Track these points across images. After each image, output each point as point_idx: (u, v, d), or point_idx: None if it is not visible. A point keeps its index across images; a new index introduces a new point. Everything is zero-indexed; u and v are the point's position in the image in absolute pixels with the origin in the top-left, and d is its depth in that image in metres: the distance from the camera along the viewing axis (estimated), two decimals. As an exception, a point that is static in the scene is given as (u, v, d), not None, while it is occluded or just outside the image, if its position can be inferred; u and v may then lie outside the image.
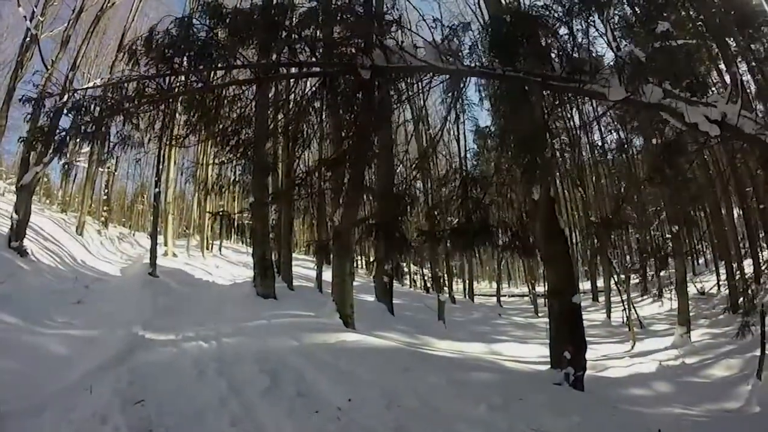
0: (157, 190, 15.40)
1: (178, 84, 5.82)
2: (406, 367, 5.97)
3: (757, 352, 9.03)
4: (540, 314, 17.49)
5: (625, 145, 13.17)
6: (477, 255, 7.33)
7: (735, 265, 14.65)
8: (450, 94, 6.18)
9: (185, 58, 5.53)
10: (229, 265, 21.56)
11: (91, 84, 10.50)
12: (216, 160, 10.14)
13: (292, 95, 6.98)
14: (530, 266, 20.54)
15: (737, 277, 14.04)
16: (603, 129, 14.54)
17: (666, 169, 6.92)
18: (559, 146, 6.67)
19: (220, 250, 25.06)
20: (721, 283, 17.10)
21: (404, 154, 15.24)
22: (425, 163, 7.29)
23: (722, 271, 17.25)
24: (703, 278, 17.88)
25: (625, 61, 5.06)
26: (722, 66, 9.08)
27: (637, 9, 6.30)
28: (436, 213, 6.26)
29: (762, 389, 6.97)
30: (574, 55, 5.34)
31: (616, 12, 6.10)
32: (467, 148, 17.17)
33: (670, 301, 17.06)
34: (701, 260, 21.20)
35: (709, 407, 7.11)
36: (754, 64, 9.32)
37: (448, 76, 5.77)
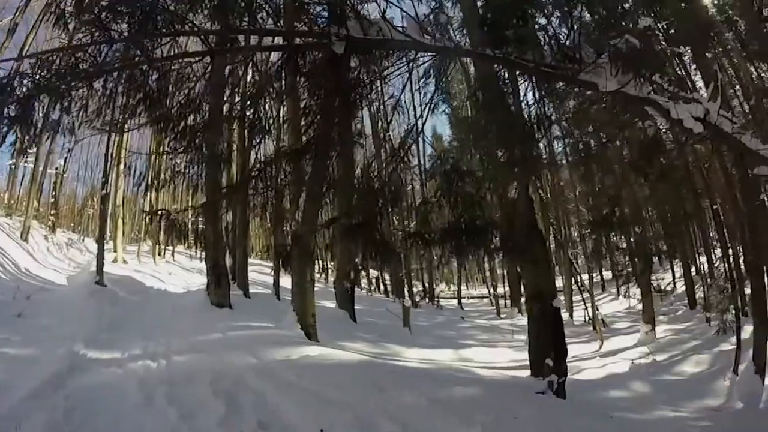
0: (104, 191, 14.26)
1: (116, 57, 4.97)
2: (379, 384, 5.36)
3: (724, 347, 9.31)
4: (502, 316, 17.34)
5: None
6: (472, 259, 6.74)
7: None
8: (434, 76, 5.63)
9: (125, 24, 4.69)
10: (183, 271, 20.38)
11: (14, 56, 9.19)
12: (161, 150, 8.95)
13: (250, 72, 6.16)
14: (491, 268, 20.43)
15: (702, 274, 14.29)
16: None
17: (647, 167, 6.67)
18: (544, 142, 6.23)
19: (173, 255, 23.73)
20: (676, 280, 17.51)
21: (382, 144, 14.33)
22: (406, 153, 6.57)
23: (677, 269, 17.72)
24: (658, 276, 18.17)
25: (622, 50, 4.73)
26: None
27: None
28: (428, 210, 5.58)
29: (740, 384, 6.85)
30: (566, 42, 4.98)
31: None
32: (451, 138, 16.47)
33: (627, 299, 17.33)
34: (655, 258, 21.65)
35: (694, 406, 6.97)
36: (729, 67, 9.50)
37: (432, 55, 5.22)
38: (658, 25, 7.65)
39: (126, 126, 5.83)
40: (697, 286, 14.69)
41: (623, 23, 5.80)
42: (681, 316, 13.94)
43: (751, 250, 7.99)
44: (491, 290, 20.54)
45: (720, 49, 10.17)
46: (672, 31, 7.80)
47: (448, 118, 19.69)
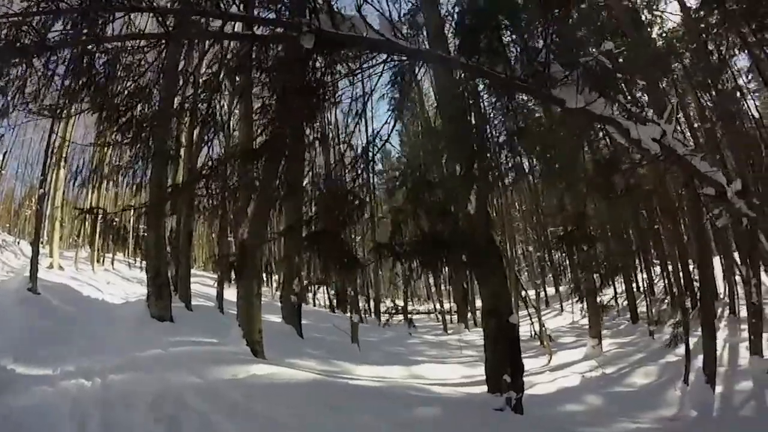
0: (42, 190, 13.10)
1: (62, 33, 4.49)
2: (334, 405, 5.11)
3: (670, 359, 9.64)
4: (449, 331, 17.31)
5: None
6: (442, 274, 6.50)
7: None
8: (403, 79, 5.45)
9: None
10: (122, 280, 19.21)
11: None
12: (99, 141, 8.16)
13: (206, 62, 5.74)
14: (437, 283, 20.43)
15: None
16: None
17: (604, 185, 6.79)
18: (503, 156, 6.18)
19: (112, 263, 22.28)
20: (618, 295, 18.12)
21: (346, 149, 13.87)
22: (372, 159, 6.31)
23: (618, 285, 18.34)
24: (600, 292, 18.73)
25: (592, 68, 4.76)
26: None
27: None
28: (399, 219, 5.32)
29: (692, 394, 7.01)
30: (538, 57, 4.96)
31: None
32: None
33: (571, 314, 17.79)
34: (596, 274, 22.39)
35: (650, 416, 7.02)
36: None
37: (403, 59, 5.04)
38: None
39: (66, 112, 5.29)
40: (638, 301, 15.28)
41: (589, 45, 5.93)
42: (624, 330, 14.36)
43: (699, 266, 8.28)
44: (437, 306, 20.58)
45: (670, 78, 10.72)
46: (623, 59, 8.10)
47: (419, 126, 19.55)
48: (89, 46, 4.76)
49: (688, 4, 11.66)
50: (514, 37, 5.09)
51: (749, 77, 14.48)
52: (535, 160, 7.65)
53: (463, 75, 5.78)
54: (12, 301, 9.45)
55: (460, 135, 6.25)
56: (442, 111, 6.71)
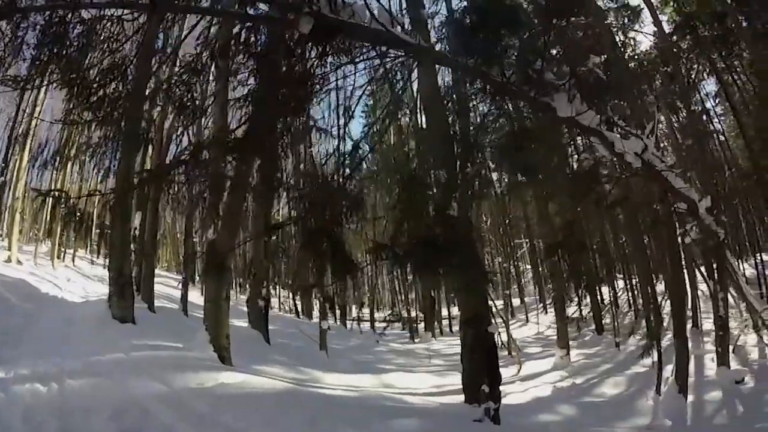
0: (2, 178, 12.17)
1: None
2: (308, 417, 4.85)
3: (637, 369, 9.58)
4: (416, 340, 17.14)
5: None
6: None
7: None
8: (401, 75, 5.25)
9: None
10: (82, 278, 18.13)
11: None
12: (67, 118, 7.45)
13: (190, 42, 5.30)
14: (405, 291, 20.27)
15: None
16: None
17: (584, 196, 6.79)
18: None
19: (73, 260, 21.03)
20: (583, 307, 18.35)
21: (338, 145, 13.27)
22: (364, 157, 6.03)
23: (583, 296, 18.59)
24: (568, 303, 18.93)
25: (586, 78, 4.73)
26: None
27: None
28: (402, 218, 5.05)
29: (664, 403, 6.98)
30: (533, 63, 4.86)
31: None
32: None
33: (536, 324, 17.88)
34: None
35: (625, 425, 7.05)
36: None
37: (399, 54, 4.83)
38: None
39: (33, 84, 4.84)
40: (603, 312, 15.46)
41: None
42: (589, 341, 14.37)
43: (671, 278, 8.42)
44: (404, 314, 20.39)
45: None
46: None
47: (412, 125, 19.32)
48: (64, 13, 4.35)
49: (663, 29, 11.98)
50: (511, 41, 4.96)
51: (716, 101, 15.07)
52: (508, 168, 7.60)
53: (452, 77, 5.64)
54: (-36, 295, 8.81)
55: (444, 139, 6.09)
56: (427, 114, 6.55)
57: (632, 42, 13.68)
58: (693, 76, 13.26)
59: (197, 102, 5.91)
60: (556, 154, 6.99)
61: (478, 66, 4.62)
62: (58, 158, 10.58)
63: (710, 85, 13.97)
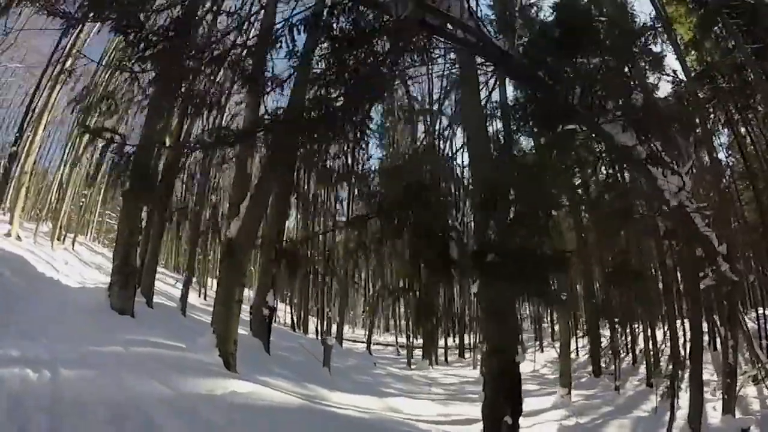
0: (14, 148, 11.49)
1: None
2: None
3: (640, 414, 9.62)
4: (412, 366, 16.37)
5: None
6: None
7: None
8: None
9: None
10: (81, 264, 17.36)
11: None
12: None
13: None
14: (408, 315, 19.53)
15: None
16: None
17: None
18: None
19: (73, 244, 20.00)
20: (579, 349, 17.76)
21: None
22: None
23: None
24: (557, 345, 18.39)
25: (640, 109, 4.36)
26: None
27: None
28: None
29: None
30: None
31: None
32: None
33: (532, 363, 17.21)
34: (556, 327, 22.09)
35: None
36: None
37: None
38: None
39: (82, 22, 4.29)
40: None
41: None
42: (586, 383, 13.88)
43: (692, 321, 8.25)
44: (399, 339, 19.68)
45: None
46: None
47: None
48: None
49: (690, 77, 11.75)
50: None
51: (728, 152, 14.81)
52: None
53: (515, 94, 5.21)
54: (-43, 262, 8.09)
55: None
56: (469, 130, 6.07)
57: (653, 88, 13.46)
58: (709, 126, 13.00)
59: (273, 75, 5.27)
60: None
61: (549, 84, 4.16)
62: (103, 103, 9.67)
63: (723, 137, 13.71)
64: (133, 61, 4.85)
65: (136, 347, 5.91)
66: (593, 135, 5.76)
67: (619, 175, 9.50)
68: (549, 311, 19.95)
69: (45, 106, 15.54)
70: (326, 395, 7.70)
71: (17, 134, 11.75)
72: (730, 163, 15.27)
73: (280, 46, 4.44)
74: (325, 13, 4.07)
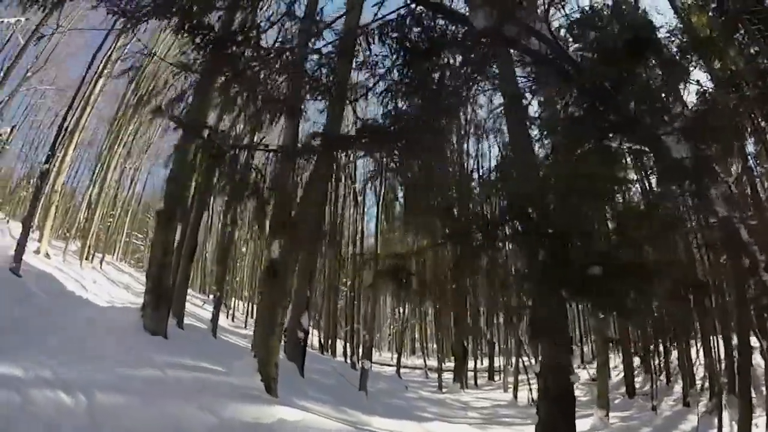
0: (46, 166, 11.50)
1: None
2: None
3: None
4: (443, 390, 15.75)
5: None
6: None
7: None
8: None
9: None
10: (108, 283, 17.34)
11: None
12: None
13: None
14: (438, 336, 18.98)
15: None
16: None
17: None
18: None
19: (101, 263, 20.14)
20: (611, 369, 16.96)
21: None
22: None
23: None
24: (590, 366, 17.65)
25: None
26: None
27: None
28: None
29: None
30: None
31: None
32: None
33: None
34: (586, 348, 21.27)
35: None
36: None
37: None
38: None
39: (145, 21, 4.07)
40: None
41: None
42: (620, 404, 13.23)
43: (740, 335, 7.63)
44: (428, 361, 19.10)
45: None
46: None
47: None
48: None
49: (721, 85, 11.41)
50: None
51: (757, 161, 14.34)
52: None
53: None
54: (-10, 279, 7.88)
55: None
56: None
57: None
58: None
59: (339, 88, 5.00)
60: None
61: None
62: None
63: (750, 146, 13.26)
64: (198, 63, 4.64)
65: (174, 371, 5.57)
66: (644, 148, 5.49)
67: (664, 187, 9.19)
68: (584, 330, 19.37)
69: (76, 126, 15.75)
70: (366, 420, 7.27)
71: (49, 153, 11.78)
72: (758, 173, 14.82)
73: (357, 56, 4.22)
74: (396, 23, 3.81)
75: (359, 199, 19.15)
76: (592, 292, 4.15)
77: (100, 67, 14.97)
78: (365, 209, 20.10)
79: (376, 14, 4.57)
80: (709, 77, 11.11)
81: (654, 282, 4.36)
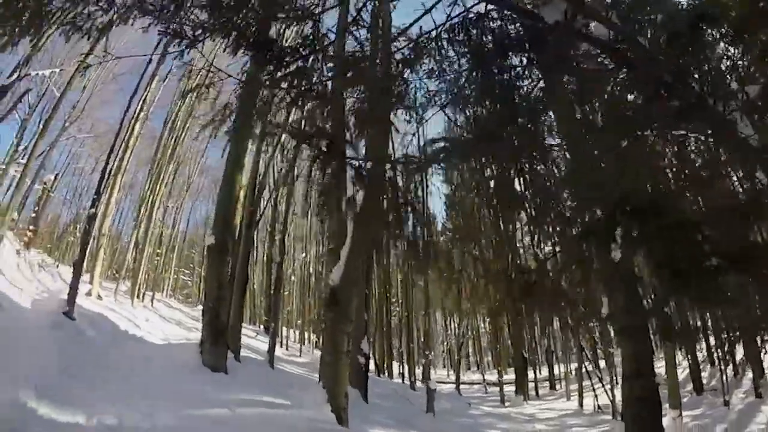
0: (93, 210, 11.81)
1: None
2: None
3: (759, 426, 8.99)
4: (506, 404, 15.19)
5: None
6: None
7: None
8: None
9: None
10: (161, 320, 17.47)
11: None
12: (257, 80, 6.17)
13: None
14: (497, 349, 18.38)
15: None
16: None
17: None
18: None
19: (152, 301, 20.54)
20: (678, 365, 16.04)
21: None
22: None
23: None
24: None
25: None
26: None
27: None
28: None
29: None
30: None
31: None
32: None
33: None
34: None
35: None
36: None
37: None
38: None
39: (202, 39, 4.04)
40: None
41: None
42: (688, 402, 12.46)
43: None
44: (487, 376, 18.52)
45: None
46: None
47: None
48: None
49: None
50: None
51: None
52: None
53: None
54: (45, 323, 7.77)
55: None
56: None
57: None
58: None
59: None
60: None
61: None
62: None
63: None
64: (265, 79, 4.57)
65: (240, 408, 5.35)
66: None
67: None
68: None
69: (118, 170, 16.23)
70: (440, 443, 6.96)
71: (94, 197, 12.05)
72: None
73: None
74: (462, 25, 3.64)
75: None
76: (711, 286, 3.80)
77: (137, 111, 15.44)
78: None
79: (448, 15, 4.45)
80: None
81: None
